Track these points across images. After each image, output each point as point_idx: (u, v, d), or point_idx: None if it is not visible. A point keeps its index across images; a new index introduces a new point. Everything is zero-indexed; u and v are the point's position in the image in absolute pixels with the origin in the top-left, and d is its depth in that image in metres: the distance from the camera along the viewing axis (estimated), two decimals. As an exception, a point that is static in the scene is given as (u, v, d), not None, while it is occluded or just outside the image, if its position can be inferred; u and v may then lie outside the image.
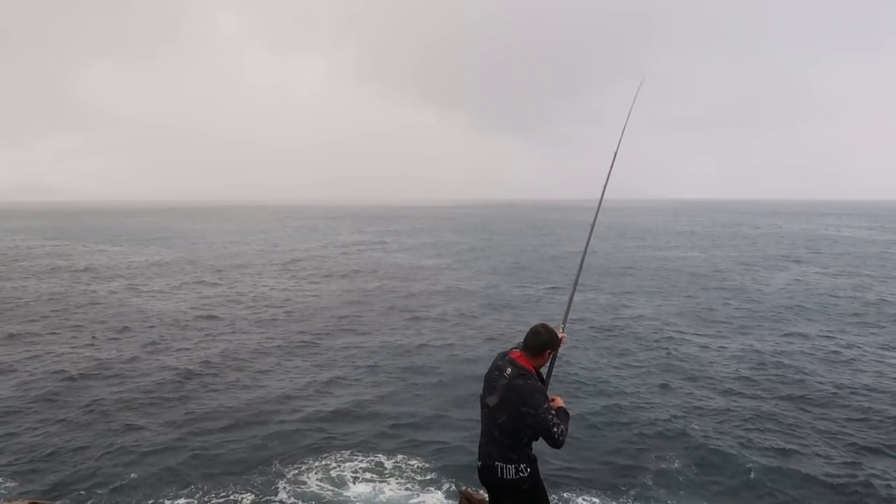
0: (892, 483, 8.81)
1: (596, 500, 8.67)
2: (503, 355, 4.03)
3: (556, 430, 3.77)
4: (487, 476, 4.02)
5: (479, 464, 4.07)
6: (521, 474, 3.91)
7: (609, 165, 5.20)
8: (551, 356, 4.06)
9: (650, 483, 9.10)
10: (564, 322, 4.30)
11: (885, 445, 10.08)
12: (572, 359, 15.06)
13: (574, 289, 4.56)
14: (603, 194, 5.23)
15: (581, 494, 8.78)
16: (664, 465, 9.60)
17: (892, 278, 29.40)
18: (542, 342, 3.95)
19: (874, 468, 9.29)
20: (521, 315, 21.16)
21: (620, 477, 9.31)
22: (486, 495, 6.09)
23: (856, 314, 20.59)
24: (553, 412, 3.83)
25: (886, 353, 15.67)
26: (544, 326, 4.03)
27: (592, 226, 5.16)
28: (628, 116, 5.55)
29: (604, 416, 11.57)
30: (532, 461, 3.98)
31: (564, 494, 8.70)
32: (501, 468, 3.91)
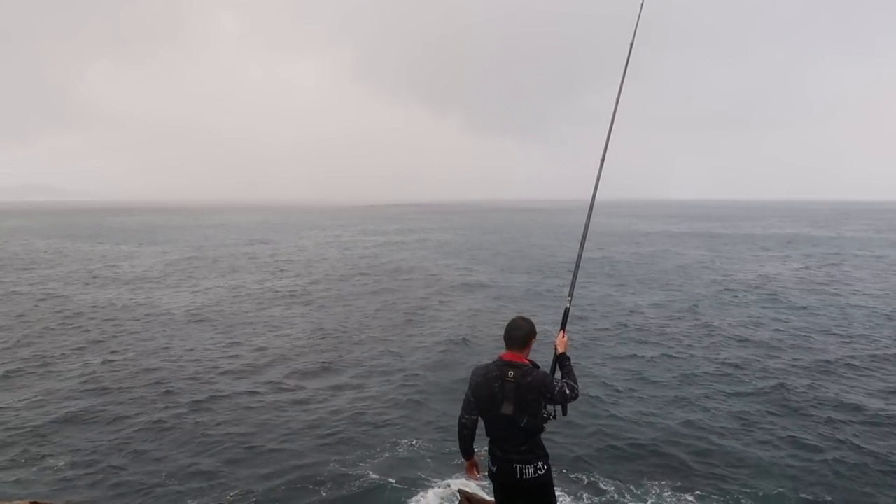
0: None
1: (594, 496, 8.69)
2: (495, 364, 3.99)
3: (570, 393, 3.94)
4: (505, 478, 4.00)
5: (495, 468, 4.04)
6: (539, 472, 3.94)
7: (598, 166, 5.30)
8: (565, 311, 4.55)
9: (653, 478, 9.11)
10: (571, 293, 4.69)
11: None
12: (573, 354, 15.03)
13: (578, 261, 4.92)
14: (595, 193, 5.39)
15: (582, 491, 8.80)
16: (666, 460, 9.62)
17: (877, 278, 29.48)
18: (525, 333, 3.99)
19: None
20: (521, 312, 21.12)
21: (623, 471, 9.32)
22: (485, 495, 6.07)
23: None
24: (563, 382, 3.97)
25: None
26: (521, 318, 4.09)
27: (593, 197, 5.36)
28: (617, 102, 5.52)
29: (605, 411, 11.58)
30: (547, 458, 4.03)
31: (563, 493, 8.71)
32: (521, 469, 3.92)
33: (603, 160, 5.23)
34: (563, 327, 4.41)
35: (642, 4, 5.87)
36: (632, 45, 5.55)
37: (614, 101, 5.51)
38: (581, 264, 4.97)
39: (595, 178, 5.29)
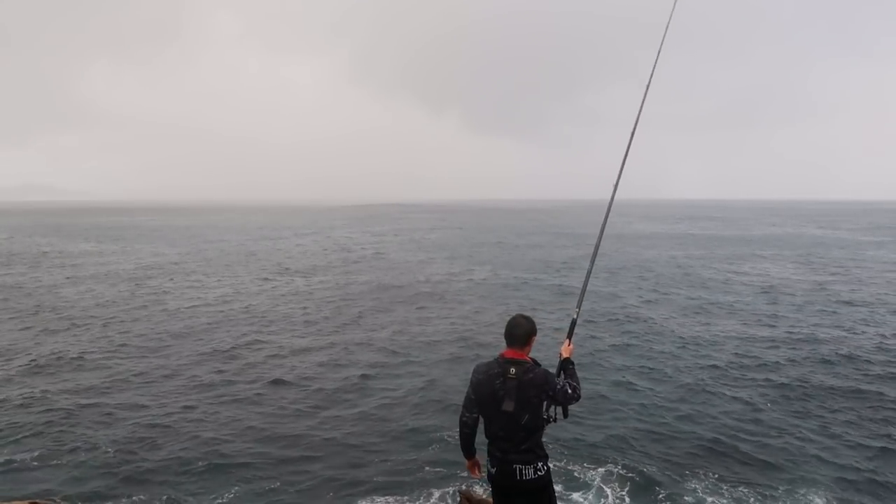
0: None
1: (596, 496, 8.68)
2: (497, 361, 4.00)
3: (572, 393, 3.94)
4: (504, 480, 3.98)
5: (494, 470, 4.02)
6: (538, 473, 3.92)
7: (621, 161, 5.35)
8: (572, 322, 4.52)
9: (657, 477, 9.11)
10: (579, 305, 4.63)
11: None
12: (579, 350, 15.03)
13: (588, 275, 4.80)
14: (606, 217, 5.40)
15: (583, 491, 8.80)
16: (666, 457, 9.62)
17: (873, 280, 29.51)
18: (525, 331, 3.99)
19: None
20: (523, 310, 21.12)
21: (625, 470, 9.32)
22: (485, 494, 6.06)
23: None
24: (565, 381, 3.98)
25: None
26: (522, 316, 4.08)
27: (605, 219, 5.36)
28: (644, 99, 5.54)
29: (607, 411, 11.58)
30: (546, 458, 4.01)
31: (565, 490, 8.71)
32: (520, 470, 3.91)
33: (616, 186, 5.34)
34: (569, 337, 4.41)
35: (673, 8, 5.89)
36: (658, 54, 5.62)
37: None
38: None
39: (608, 202, 5.37)
